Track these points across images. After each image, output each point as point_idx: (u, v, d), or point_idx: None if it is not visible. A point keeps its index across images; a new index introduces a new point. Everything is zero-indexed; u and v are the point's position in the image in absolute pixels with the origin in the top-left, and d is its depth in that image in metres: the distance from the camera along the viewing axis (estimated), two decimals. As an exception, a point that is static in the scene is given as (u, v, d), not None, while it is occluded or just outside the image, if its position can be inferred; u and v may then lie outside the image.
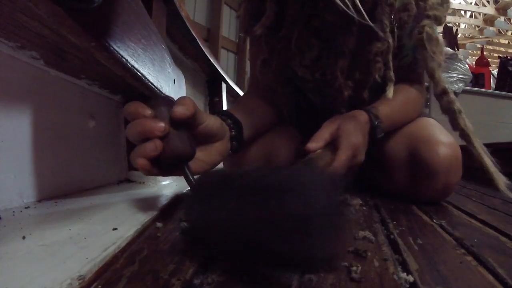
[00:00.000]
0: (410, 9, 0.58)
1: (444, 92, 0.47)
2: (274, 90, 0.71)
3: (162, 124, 0.35)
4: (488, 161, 0.45)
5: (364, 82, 0.64)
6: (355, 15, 0.48)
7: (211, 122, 0.42)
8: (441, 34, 3.84)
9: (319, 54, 0.66)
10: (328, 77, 0.68)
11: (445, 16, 0.49)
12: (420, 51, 0.52)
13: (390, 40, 0.52)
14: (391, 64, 0.56)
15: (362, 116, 0.57)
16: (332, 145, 0.51)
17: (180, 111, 0.36)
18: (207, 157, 0.44)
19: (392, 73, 0.56)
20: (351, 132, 0.51)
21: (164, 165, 0.38)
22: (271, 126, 0.72)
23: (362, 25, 0.53)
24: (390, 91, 0.57)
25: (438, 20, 0.49)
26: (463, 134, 0.46)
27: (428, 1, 0.49)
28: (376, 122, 0.56)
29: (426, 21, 0.49)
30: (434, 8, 0.49)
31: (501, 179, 0.46)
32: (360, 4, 0.48)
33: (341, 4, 0.47)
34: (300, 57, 0.68)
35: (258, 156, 0.68)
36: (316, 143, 0.49)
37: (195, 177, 0.37)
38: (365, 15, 0.49)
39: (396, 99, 0.62)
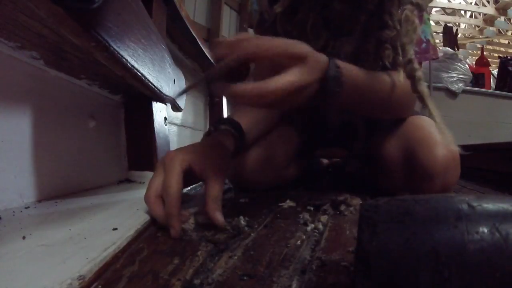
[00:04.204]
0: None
1: (410, 61, 0.52)
2: None
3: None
4: (440, 122, 0.49)
5: (372, 69, 0.63)
6: None
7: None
8: (441, 34, 3.85)
9: (326, 43, 0.66)
10: None
11: (427, 5, 0.58)
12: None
13: (399, 28, 0.56)
14: (399, 50, 0.57)
15: (322, 57, 0.49)
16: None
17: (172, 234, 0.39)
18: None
19: (401, 59, 0.57)
20: None
21: None
22: (273, 125, 0.73)
23: (371, 13, 0.58)
24: (400, 76, 0.56)
25: (420, 7, 0.57)
26: (420, 97, 0.51)
27: None
28: (335, 71, 0.50)
29: (408, 6, 0.56)
30: None
31: (447, 137, 0.49)
32: None
33: None
34: (313, 43, 0.67)
35: (258, 158, 0.68)
36: None
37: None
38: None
39: (367, 72, 0.57)
